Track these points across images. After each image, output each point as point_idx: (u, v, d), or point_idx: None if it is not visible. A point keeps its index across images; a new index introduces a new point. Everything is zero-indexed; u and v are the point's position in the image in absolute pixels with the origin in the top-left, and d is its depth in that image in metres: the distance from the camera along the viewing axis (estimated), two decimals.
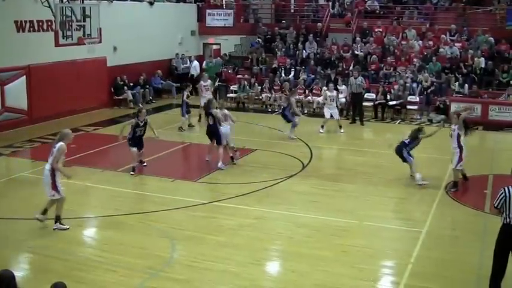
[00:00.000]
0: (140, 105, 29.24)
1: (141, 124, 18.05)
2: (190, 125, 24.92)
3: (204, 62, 34.59)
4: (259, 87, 30.17)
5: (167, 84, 33.02)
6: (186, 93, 24.43)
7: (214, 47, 38.13)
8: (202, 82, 25.66)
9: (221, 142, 18.70)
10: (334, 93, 24.52)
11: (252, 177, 17.69)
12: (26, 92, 24.77)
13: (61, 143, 13.63)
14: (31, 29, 24.94)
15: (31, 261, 12.25)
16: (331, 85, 25.32)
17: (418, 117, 26.91)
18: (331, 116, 24.07)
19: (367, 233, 13.65)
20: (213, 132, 18.86)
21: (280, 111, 24.34)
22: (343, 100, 27.33)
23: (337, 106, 24.72)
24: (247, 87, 30.44)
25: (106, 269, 11.61)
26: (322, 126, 23.90)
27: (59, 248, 12.59)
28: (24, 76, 24.66)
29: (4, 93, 23.81)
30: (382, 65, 30.01)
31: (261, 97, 29.80)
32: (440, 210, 15.09)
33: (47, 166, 13.72)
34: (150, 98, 31.29)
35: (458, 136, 16.46)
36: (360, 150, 21.27)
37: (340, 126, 24.10)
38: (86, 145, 20.96)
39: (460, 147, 16.50)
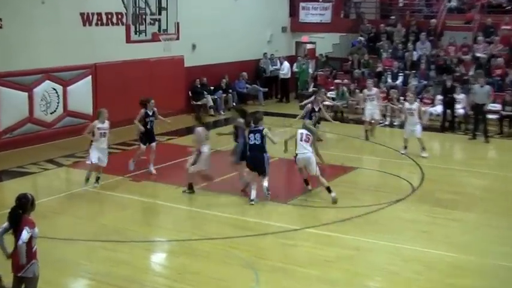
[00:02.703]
0: (222, 112, 29.46)
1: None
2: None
3: (295, 63, 34.55)
4: (361, 95, 29.84)
5: (253, 89, 33.12)
6: (317, 98, 23.82)
7: (309, 46, 38.07)
8: (97, 123, 19.08)
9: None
10: (374, 91, 24.49)
11: (351, 200, 17.45)
12: (92, 94, 25.27)
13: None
14: (99, 22, 25.50)
15: None
16: (370, 81, 25.40)
17: None
18: (372, 119, 24.09)
19: (487, 272, 13.20)
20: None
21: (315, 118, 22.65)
22: (461, 111, 26.79)
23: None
24: (347, 94, 30.22)
25: None
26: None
27: (123, 276, 12.63)
28: (90, 76, 25.17)
29: (67, 95, 24.33)
30: (510, 70, 29.22)
31: (362, 106, 29.44)
32: None
33: (309, 149, 17.50)
34: (234, 104, 31.39)
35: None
36: (482, 172, 20.74)
37: (369, 131, 23.65)
38: (158, 157, 21.11)
39: None
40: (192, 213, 16.19)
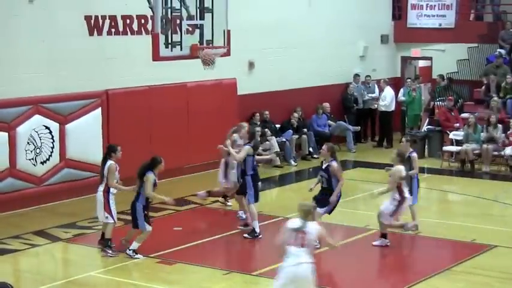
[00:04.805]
0: (292, 162, 29.52)
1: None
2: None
3: (402, 89, 34.43)
4: (503, 135, 29.62)
5: (339, 127, 33.09)
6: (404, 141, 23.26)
7: (421, 63, 38.01)
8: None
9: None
10: None
11: None
12: (102, 134, 25.46)
13: None
14: (112, 30, 25.76)
15: None
16: None
17: None
18: None
19: None
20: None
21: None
22: None
23: None
24: (481, 134, 29.96)
25: None
26: None
27: None
28: (99, 108, 25.35)
29: (65, 137, 24.45)
30: None
31: (504, 154, 29.20)
32: None
33: None
34: (310, 150, 31.38)
35: None
36: None
37: None
38: (199, 228, 21.17)
39: None
40: None
